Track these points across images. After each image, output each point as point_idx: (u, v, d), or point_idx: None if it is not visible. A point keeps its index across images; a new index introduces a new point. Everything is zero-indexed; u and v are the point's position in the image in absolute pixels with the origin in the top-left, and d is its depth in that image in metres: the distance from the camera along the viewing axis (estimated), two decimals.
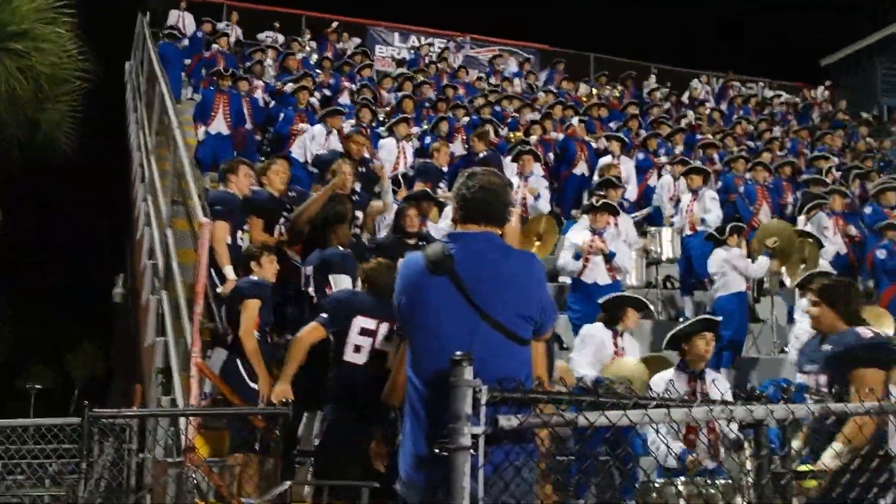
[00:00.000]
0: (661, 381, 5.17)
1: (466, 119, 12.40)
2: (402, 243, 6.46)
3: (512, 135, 12.20)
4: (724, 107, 17.47)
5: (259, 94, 12.34)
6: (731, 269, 8.48)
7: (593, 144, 12.27)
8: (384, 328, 4.68)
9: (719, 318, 5.61)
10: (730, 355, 8.41)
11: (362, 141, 7.88)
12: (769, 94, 19.40)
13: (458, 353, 2.33)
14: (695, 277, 9.83)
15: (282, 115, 11.40)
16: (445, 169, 9.18)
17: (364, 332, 4.65)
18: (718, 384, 5.20)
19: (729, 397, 4.66)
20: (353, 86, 13.64)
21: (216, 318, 5.59)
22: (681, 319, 9.71)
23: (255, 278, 5.41)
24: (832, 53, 22.30)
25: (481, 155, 10.03)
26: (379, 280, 4.74)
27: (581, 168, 11.75)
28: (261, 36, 17.41)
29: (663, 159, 12.06)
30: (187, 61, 14.31)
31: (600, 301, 6.54)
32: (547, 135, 12.07)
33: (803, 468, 3.21)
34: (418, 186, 8.67)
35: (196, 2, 17.09)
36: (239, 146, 11.12)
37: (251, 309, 5.18)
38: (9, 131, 9.41)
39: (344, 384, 4.07)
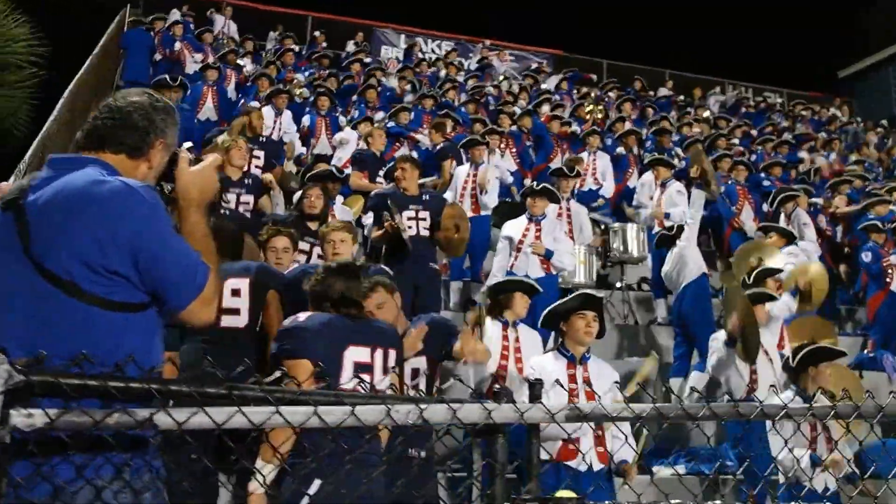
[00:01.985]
0: (538, 365, 4.56)
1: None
2: (302, 224, 6.01)
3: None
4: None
5: (231, 87, 12.02)
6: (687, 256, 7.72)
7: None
8: None
9: (601, 296, 4.87)
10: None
11: (262, 115, 7.50)
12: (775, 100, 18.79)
13: None
14: None
15: None
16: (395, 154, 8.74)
17: None
18: (604, 372, 4.60)
19: (613, 390, 4.07)
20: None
21: None
22: (652, 326, 9.12)
23: None
24: (849, 65, 21.75)
25: (438, 146, 9.59)
26: None
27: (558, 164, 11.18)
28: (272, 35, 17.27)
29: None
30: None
31: (483, 289, 5.94)
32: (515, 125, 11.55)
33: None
34: (354, 176, 8.27)
35: (198, 1, 16.98)
36: None
37: None
38: None
39: None
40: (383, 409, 1.87)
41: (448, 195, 8.68)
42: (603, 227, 9.54)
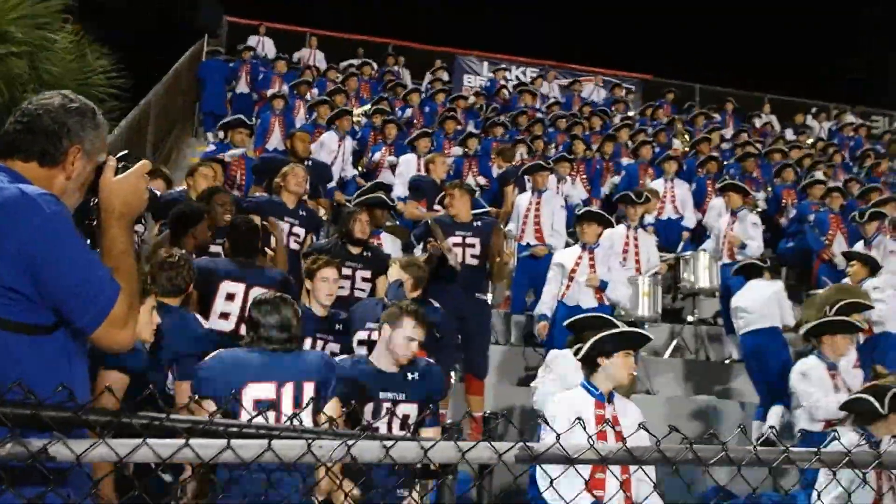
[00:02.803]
0: (562, 402, 4.11)
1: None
2: (344, 249, 5.77)
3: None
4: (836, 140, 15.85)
5: (301, 115, 11.99)
6: (770, 302, 7.19)
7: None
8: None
9: (652, 337, 4.44)
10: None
11: (306, 138, 7.36)
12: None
13: None
14: None
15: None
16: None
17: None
18: (629, 410, 4.16)
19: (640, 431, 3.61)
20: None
21: None
22: (726, 361, 8.51)
23: None
24: None
25: (501, 170, 9.26)
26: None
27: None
28: (344, 63, 17.26)
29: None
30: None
31: (565, 323, 5.47)
32: (590, 151, 11.12)
33: None
34: (410, 205, 8.02)
35: (277, 28, 17.26)
36: None
37: None
38: None
39: None
40: (303, 444, 1.69)
41: (511, 225, 8.36)
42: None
